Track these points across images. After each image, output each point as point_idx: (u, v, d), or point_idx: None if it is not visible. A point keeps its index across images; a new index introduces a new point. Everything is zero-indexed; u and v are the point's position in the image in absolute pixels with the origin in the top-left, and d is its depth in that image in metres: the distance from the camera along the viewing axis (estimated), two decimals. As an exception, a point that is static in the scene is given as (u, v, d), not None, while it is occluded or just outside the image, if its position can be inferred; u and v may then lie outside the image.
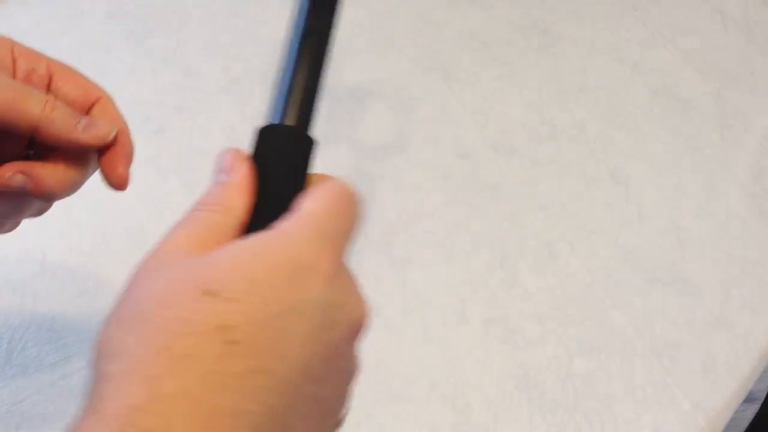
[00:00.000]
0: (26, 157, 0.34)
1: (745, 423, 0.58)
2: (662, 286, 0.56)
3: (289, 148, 0.29)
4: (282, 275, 0.22)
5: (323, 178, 0.28)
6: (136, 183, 0.56)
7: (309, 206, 0.25)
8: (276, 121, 0.29)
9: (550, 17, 0.76)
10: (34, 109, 0.30)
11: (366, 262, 0.55)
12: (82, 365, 0.47)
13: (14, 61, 0.32)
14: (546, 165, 0.63)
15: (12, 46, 0.32)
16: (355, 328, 0.25)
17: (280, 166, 0.28)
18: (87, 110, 0.33)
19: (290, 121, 0.29)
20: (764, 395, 0.57)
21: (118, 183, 0.34)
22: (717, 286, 0.57)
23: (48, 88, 0.33)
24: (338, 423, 0.27)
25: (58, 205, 0.54)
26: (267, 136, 0.29)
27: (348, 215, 0.26)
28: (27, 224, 0.53)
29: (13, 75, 0.32)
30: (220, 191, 0.26)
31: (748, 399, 0.54)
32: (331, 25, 0.31)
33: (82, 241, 0.53)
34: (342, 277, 0.24)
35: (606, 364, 0.51)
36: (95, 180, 0.59)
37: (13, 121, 0.29)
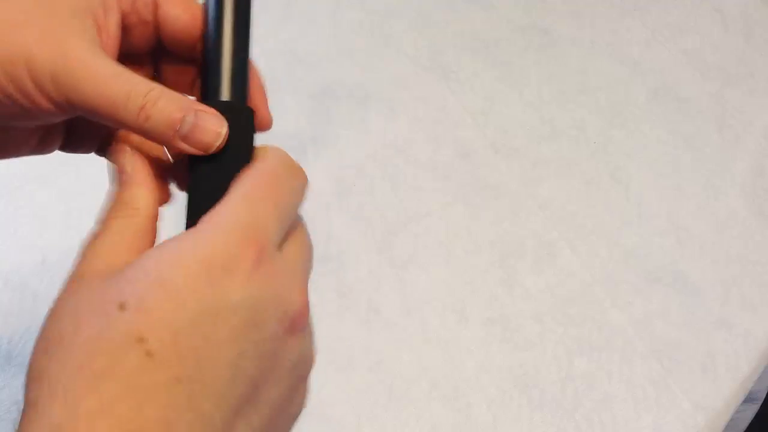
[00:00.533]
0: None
1: (745, 423, 0.58)
2: (662, 286, 0.56)
3: (233, 128, 0.27)
4: (195, 278, 0.22)
5: (258, 155, 0.27)
6: (136, 183, 0.57)
7: (229, 196, 0.24)
8: (212, 98, 0.28)
9: (550, 17, 0.76)
10: (128, 116, 0.25)
11: (366, 262, 0.55)
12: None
13: None
14: (546, 165, 0.63)
15: None
16: (292, 320, 0.25)
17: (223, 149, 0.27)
18: (198, 38, 0.29)
19: (226, 96, 0.28)
20: (764, 395, 0.57)
21: (262, 126, 0.30)
22: (717, 286, 0.57)
23: (156, 12, 0.29)
24: (293, 416, 0.27)
25: (58, 205, 0.55)
26: None
27: (277, 196, 0.25)
28: (27, 224, 0.53)
29: (122, 8, 0.28)
30: (120, 194, 0.26)
31: (748, 399, 0.54)
32: None
33: (82, 241, 0.53)
34: (268, 269, 0.23)
35: (606, 364, 0.51)
36: (95, 180, 0.59)
37: (102, 118, 0.26)
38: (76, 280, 0.24)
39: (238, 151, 0.27)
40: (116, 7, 0.28)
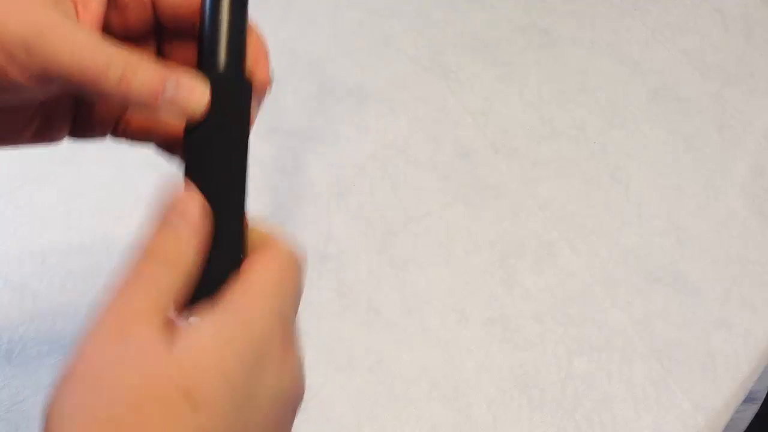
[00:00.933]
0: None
1: (745, 423, 0.58)
2: (662, 286, 0.56)
3: (230, 103, 0.27)
4: (247, 367, 0.23)
5: (269, 240, 0.27)
6: (136, 183, 0.57)
7: (259, 281, 0.25)
8: (206, 68, 0.27)
9: (550, 17, 0.76)
10: (108, 85, 0.24)
11: (366, 262, 0.55)
12: (82, 365, 0.47)
13: None
14: (546, 165, 0.63)
15: None
16: (297, 405, 0.26)
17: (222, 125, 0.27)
18: (197, 12, 0.28)
19: (221, 67, 0.27)
20: (764, 395, 0.57)
21: (259, 90, 0.29)
22: (717, 286, 0.57)
23: None
24: None
25: (58, 205, 0.55)
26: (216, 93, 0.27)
27: (295, 287, 0.26)
28: (27, 224, 0.53)
29: None
30: (175, 240, 0.25)
31: (748, 399, 0.54)
32: None
33: (82, 241, 0.53)
34: (290, 358, 0.25)
35: (606, 364, 0.51)
36: (95, 180, 0.59)
37: (83, 89, 0.25)
38: (117, 323, 0.23)
39: (232, 124, 0.27)
40: None
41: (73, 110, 0.30)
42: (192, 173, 0.27)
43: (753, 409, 0.57)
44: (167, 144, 0.31)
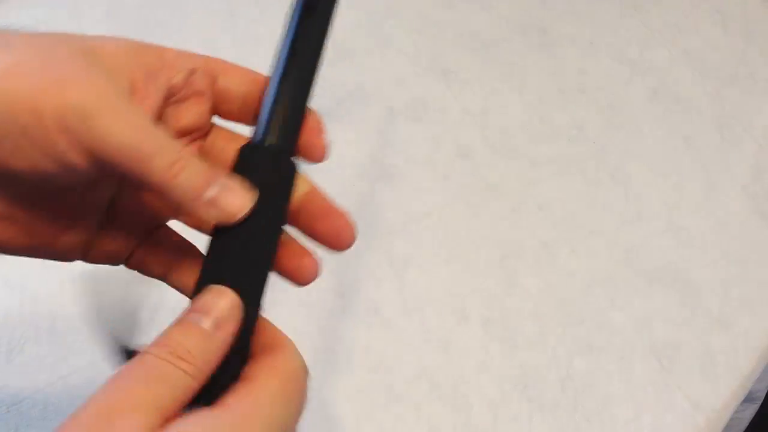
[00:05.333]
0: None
1: (745, 423, 0.58)
2: (662, 286, 0.56)
3: (273, 177, 0.26)
4: None
5: (276, 343, 0.26)
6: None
7: (262, 388, 0.24)
8: (258, 140, 0.27)
9: (550, 17, 0.76)
10: (157, 170, 0.23)
11: (366, 262, 0.55)
12: (81, 365, 0.47)
13: (167, 65, 0.27)
14: (546, 165, 0.63)
15: (161, 51, 0.27)
16: None
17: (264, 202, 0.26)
18: (257, 102, 0.28)
19: (272, 140, 0.27)
20: (764, 395, 0.57)
21: (316, 157, 0.28)
22: (717, 286, 0.57)
23: (213, 84, 0.28)
24: None
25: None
26: (252, 163, 0.26)
27: (299, 399, 0.25)
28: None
29: (170, 81, 0.27)
30: (201, 345, 0.23)
31: (748, 399, 0.54)
32: (325, 31, 0.29)
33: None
34: None
35: (606, 364, 0.51)
36: (95, 180, 0.58)
37: (131, 174, 0.23)
38: (110, 410, 0.21)
39: (273, 207, 0.26)
40: (163, 78, 0.26)
41: (98, 224, 0.29)
42: (215, 254, 0.26)
43: (753, 409, 0.57)
44: (182, 290, 0.30)
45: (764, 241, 0.60)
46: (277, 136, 0.27)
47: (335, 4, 0.29)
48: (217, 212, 0.25)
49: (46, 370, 0.47)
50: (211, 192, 0.24)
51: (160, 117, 0.27)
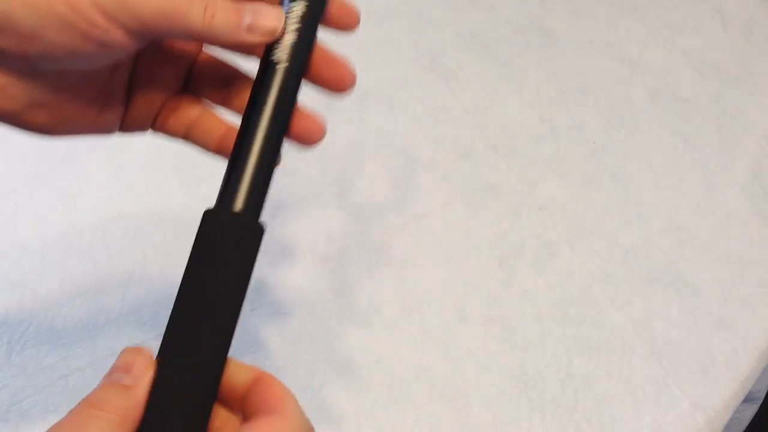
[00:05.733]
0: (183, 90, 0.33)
1: (745, 423, 0.58)
2: (662, 286, 0.56)
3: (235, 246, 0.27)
4: None
5: (278, 405, 0.26)
6: (136, 183, 0.57)
7: None
8: (224, 204, 0.27)
9: (550, 17, 0.76)
10: (195, 20, 0.26)
11: (366, 262, 0.55)
12: (81, 365, 0.47)
13: None
14: (546, 165, 0.63)
15: None
16: None
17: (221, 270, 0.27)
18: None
19: (239, 206, 0.27)
20: (764, 395, 0.57)
21: (339, 85, 0.32)
22: (717, 286, 0.57)
23: None
24: None
25: (58, 205, 0.55)
26: (214, 228, 0.27)
27: None
28: (27, 224, 0.53)
29: None
30: (122, 396, 0.25)
31: (748, 399, 0.54)
32: (296, 89, 0.30)
33: (82, 241, 0.53)
34: None
35: (606, 364, 0.51)
36: (95, 180, 0.59)
37: (171, 33, 0.27)
38: None
39: (235, 270, 0.27)
40: None
41: (126, 97, 0.32)
42: (178, 317, 0.27)
43: (753, 409, 0.57)
44: (203, 143, 0.33)
45: (764, 241, 0.60)
46: (244, 203, 0.28)
47: (308, 60, 0.30)
48: (259, 34, 0.28)
49: (46, 370, 0.47)
50: (246, 20, 0.27)
51: None
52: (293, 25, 0.29)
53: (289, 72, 0.29)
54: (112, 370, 0.26)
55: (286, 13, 0.29)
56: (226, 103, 0.33)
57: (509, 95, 0.68)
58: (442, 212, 0.59)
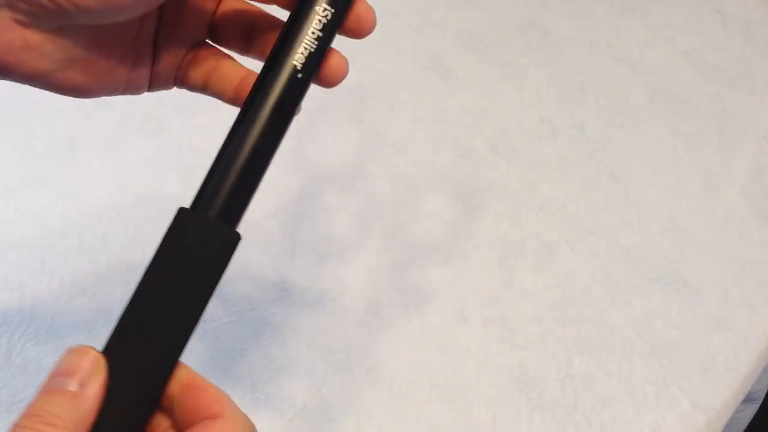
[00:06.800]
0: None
1: (745, 423, 0.58)
2: (662, 286, 0.56)
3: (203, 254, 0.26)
4: None
5: (218, 412, 0.25)
6: (136, 183, 0.57)
7: None
8: (201, 209, 0.27)
9: (550, 17, 0.76)
10: None
11: (366, 262, 0.55)
12: (81, 365, 0.47)
13: None
14: (546, 165, 0.63)
15: None
16: None
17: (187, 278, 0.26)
18: None
19: (214, 213, 0.26)
20: (764, 395, 0.57)
21: (360, 29, 0.31)
22: (716, 286, 0.57)
23: None
24: None
25: (58, 205, 0.55)
26: (182, 229, 0.26)
27: None
28: (27, 224, 0.53)
29: None
30: (70, 406, 0.23)
31: (748, 399, 0.54)
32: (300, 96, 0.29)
33: (82, 241, 0.53)
34: None
35: (605, 364, 0.51)
36: (95, 180, 0.59)
37: None
38: None
39: (202, 272, 0.26)
40: None
41: (152, 52, 0.32)
42: (133, 308, 0.26)
43: (753, 409, 0.57)
44: (221, 91, 0.33)
45: (764, 241, 0.60)
46: (221, 209, 0.27)
47: (317, 70, 0.29)
48: None
49: (46, 370, 0.47)
50: None
51: None
52: (315, 33, 0.28)
53: (296, 82, 0.28)
54: (56, 374, 0.24)
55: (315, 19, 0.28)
56: (248, 50, 0.33)
57: (509, 95, 0.68)
58: (442, 212, 0.59)
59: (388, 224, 0.57)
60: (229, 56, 0.33)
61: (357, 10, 0.30)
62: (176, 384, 0.26)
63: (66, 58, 0.27)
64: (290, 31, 0.28)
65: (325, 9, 0.29)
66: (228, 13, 0.33)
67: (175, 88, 0.34)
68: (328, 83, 0.31)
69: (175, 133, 0.60)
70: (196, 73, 0.33)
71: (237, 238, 0.27)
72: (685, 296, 0.56)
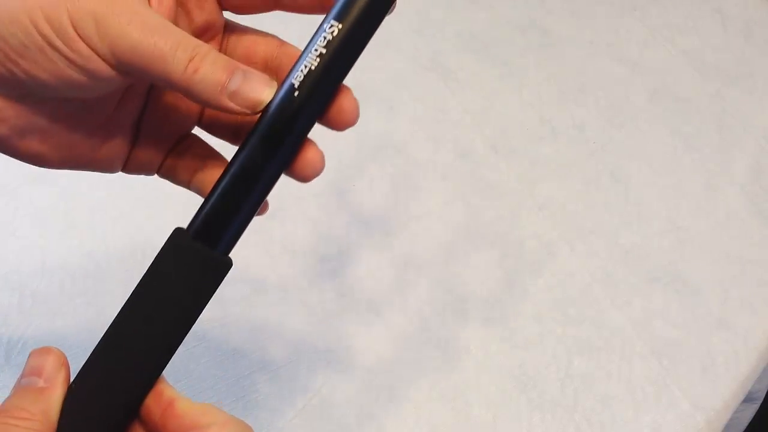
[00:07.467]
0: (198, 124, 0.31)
1: (745, 423, 0.58)
2: (661, 286, 0.56)
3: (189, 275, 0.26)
4: None
5: (210, 420, 0.25)
6: (136, 183, 0.56)
7: None
8: (195, 234, 0.26)
9: (550, 17, 0.76)
10: (175, 68, 0.24)
11: (366, 262, 0.55)
12: (80, 365, 0.47)
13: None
14: (546, 165, 0.63)
15: None
16: None
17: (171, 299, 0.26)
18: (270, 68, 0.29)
19: (208, 236, 0.26)
20: (764, 395, 0.57)
21: (342, 123, 0.28)
22: (716, 286, 0.57)
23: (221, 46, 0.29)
24: None
25: (58, 205, 0.55)
26: (173, 249, 0.26)
27: None
28: (27, 224, 0.53)
29: (189, 23, 0.28)
30: (37, 399, 0.25)
31: (748, 399, 0.54)
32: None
33: (82, 241, 0.53)
34: None
35: (605, 364, 0.51)
36: (95, 180, 0.59)
37: (150, 75, 0.24)
38: None
39: (190, 297, 0.26)
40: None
41: (132, 135, 0.30)
42: (117, 325, 0.26)
43: (753, 409, 0.57)
44: (203, 192, 0.31)
45: (764, 241, 0.60)
46: (214, 238, 0.26)
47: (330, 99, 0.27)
48: (239, 103, 0.25)
49: (46, 370, 0.47)
50: (234, 83, 0.25)
51: (175, 19, 0.27)
52: (319, 50, 0.26)
53: (303, 106, 0.26)
54: (24, 375, 0.26)
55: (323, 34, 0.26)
56: (236, 140, 0.31)
57: (509, 95, 0.68)
58: (442, 212, 0.59)
59: (388, 224, 0.57)
60: (217, 155, 0.31)
61: (340, 103, 0.28)
62: (157, 401, 0.26)
63: (24, 127, 0.26)
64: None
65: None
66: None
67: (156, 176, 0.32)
68: (304, 177, 0.29)
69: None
70: (183, 169, 0.31)
71: (228, 265, 0.27)
72: (685, 296, 0.56)
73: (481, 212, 0.59)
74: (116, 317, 0.26)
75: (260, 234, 0.54)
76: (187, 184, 0.31)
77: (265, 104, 0.25)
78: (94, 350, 0.26)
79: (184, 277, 0.26)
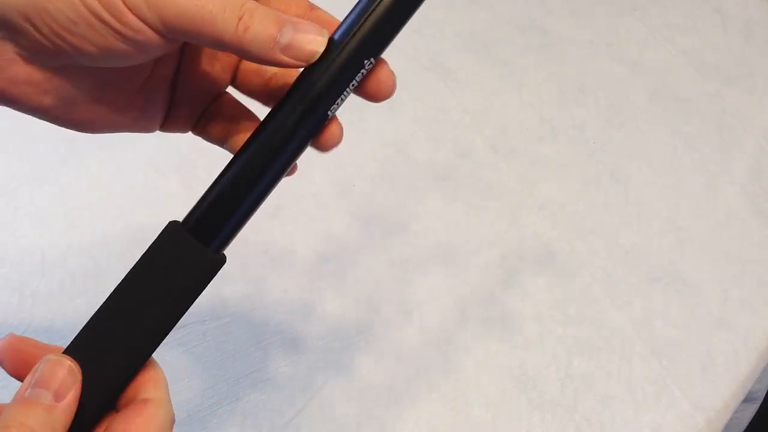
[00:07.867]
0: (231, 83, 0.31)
1: (745, 423, 0.58)
2: (662, 286, 0.56)
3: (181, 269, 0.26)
4: None
5: (144, 399, 0.25)
6: (136, 183, 0.57)
7: None
8: (191, 227, 0.26)
9: (550, 17, 0.76)
10: (226, 28, 0.24)
11: (366, 262, 0.55)
12: (81, 365, 0.47)
13: None
14: (546, 165, 0.63)
15: None
16: None
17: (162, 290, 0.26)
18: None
19: (202, 232, 0.26)
20: (763, 395, 0.57)
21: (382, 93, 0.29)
22: (716, 286, 0.57)
23: None
24: None
25: (58, 205, 0.55)
26: (167, 242, 0.26)
27: None
28: (27, 224, 0.53)
29: None
30: (44, 418, 0.23)
31: (748, 399, 0.54)
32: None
33: (82, 241, 0.53)
34: None
35: (605, 364, 0.51)
36: (95, 180, 0.59)
37: (199, 39, 0.24)
38: None
39: (180, 288, 0.26)
40: None
41: (169, 96, 0.31)
42: (101, 313, 0.26)
43: (753, 409, 0.57)
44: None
45: (764, 241, 0.60)
46: (211, 231, 0.26)
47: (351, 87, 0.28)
48: (294, 56, 0.25)
49: (46, 370, 0.47)
50: (285, 37, 0.25)
51: None
52: (364, 17, 0.27)
53: (340, 74, 0.27)
54: (30, 384, 0.24)
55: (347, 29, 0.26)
56: (269, 102, 0.32)
57: (509, 95, 0.68)
58: (442, 212, 0.59)
59: (388, 224, 0.57)
60: (250, 113, 0.32)
61: (378, 74, 0.28)
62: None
63: (69, 96, 0.26)
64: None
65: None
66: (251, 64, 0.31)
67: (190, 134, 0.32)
68: (326, 147, 0.30)
69: (175, 133, 0.60)
70: (217, 127, 0.31)
71: (220, 261, 0.27)
72: (685, 296, 0.56)
73: (481, 212, 0.59)
74: (101, 305, 0.26)
75: (260, 234, 0.54)
76: (222, 143, 0.31)
77: (318, 56, 0.26)
78: (76, 336, 0.26)
79: (175, 273, 0.26)
